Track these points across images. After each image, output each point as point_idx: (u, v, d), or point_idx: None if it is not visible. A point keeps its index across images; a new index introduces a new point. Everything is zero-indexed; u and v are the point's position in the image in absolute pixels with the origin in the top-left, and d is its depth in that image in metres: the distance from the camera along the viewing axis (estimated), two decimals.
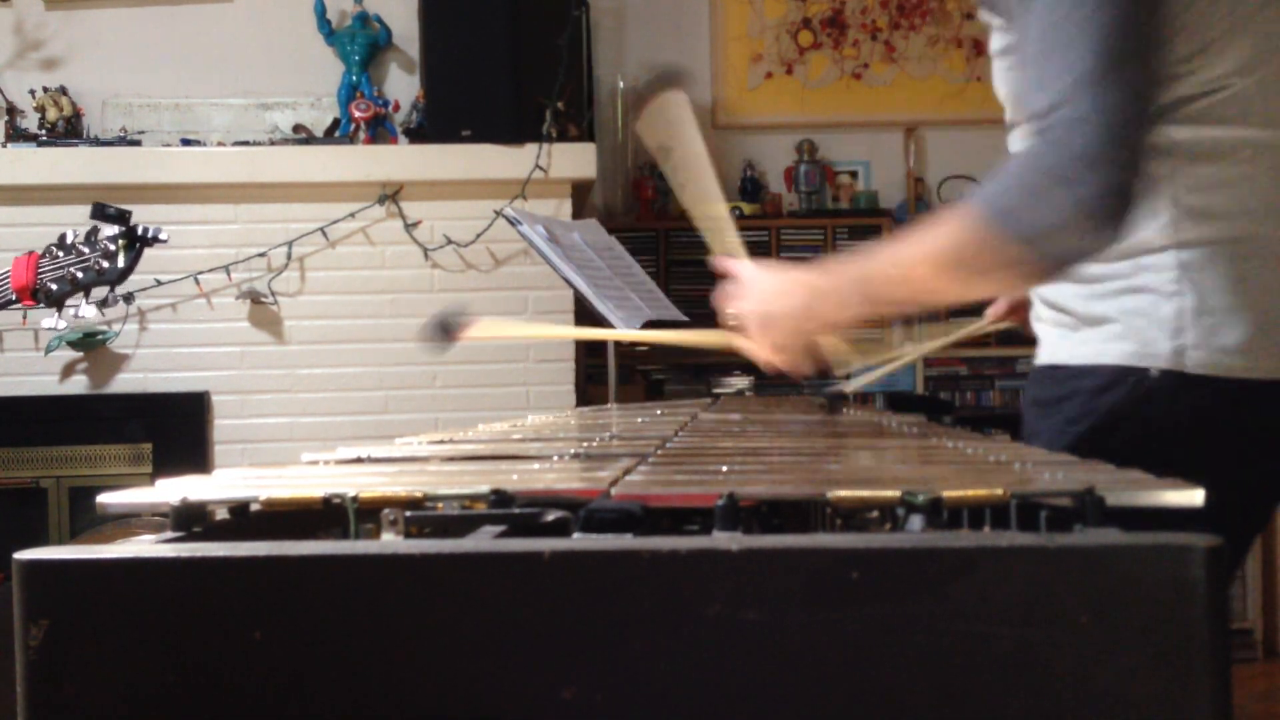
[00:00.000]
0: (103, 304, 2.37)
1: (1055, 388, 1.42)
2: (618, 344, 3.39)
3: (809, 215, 4.75)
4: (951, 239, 1.24)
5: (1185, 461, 1.28)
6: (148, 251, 2.37)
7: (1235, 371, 1.32)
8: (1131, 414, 1.34)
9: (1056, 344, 1.44)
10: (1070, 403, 1.39)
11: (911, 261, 1.27)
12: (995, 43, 1.41)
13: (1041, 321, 1.48)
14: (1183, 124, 1.32)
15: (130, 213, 2.36)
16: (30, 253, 2.34)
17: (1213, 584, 0.67)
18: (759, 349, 1.41)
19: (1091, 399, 1.37)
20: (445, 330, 1.70)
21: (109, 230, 2.33)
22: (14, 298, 2.33)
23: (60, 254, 2.32)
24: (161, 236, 2.36)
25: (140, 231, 2.34)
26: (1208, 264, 1.33)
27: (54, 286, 2.31)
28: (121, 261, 2.33)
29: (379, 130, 4.22)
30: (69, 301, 2.36)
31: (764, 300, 1.39)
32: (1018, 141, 1.42)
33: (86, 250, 2.32)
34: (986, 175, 1.28)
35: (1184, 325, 1.33)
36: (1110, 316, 1.37)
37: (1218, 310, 1.32)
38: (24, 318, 2.43)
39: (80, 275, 2.32)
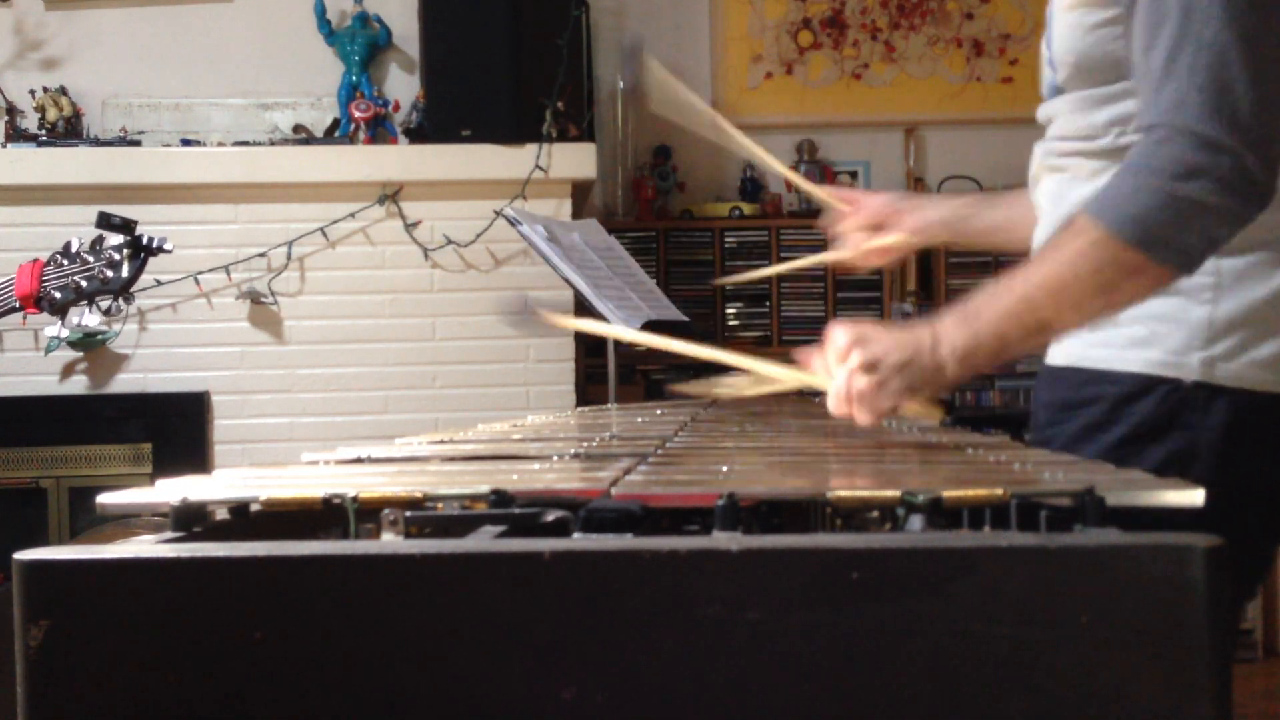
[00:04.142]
0: (106, 313, 2.37)
1: (1072, 390, 1.37)
2: (618, 344, 3.39)
3: (809, 215, 4.74)
4: (1080, 263, 1.19)
5: (1227, 475, 1.27)
6: None
7: (1268, 385, 1.29)
8: (1167, 425, 1.30)
9: (1070, 343, 1.39)
10: (1092, 408, 1.34)
11: (1040, 294, 1.20)
12: None
13: None
14: None
15: (135, 222, 2.36)
16: (35, 260, 2.34)
17: (1213, 584, 0.67)
18: (859, 398, 1.21)
19: (1117, 406, 1.32)
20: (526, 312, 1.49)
21: (114, 239, 2.33)
22: (17, 305, 2.33)
23: (65, 262, 2.32)
24: (166, 246, 2.36)
25: (145, 241, 2.34)
26: (1246, 272, 1.29)
27: (58, 295, 2.31)
28: (126, 271, 2.33)
29: (379, 130, 4.22)
30: (71, 309, 2.36)
31: (888, 351, 1.21)
32: (1066, 109, 1.38)
33: (91, 259, 2.32)
34: (1105, 193, 1.22)
35: (1216, 335, 1.29)
36: (1133, 319, 1.32)
37: (1252, 322, 1.29)
38: (23, 319, 2.43)
39: (84, 284, 2.32)
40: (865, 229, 1.65)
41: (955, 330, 1.22)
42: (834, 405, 1.22)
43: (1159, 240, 1.18)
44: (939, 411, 1.47)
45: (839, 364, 1.22)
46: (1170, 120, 1.19)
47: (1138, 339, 1.32)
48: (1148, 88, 1.22)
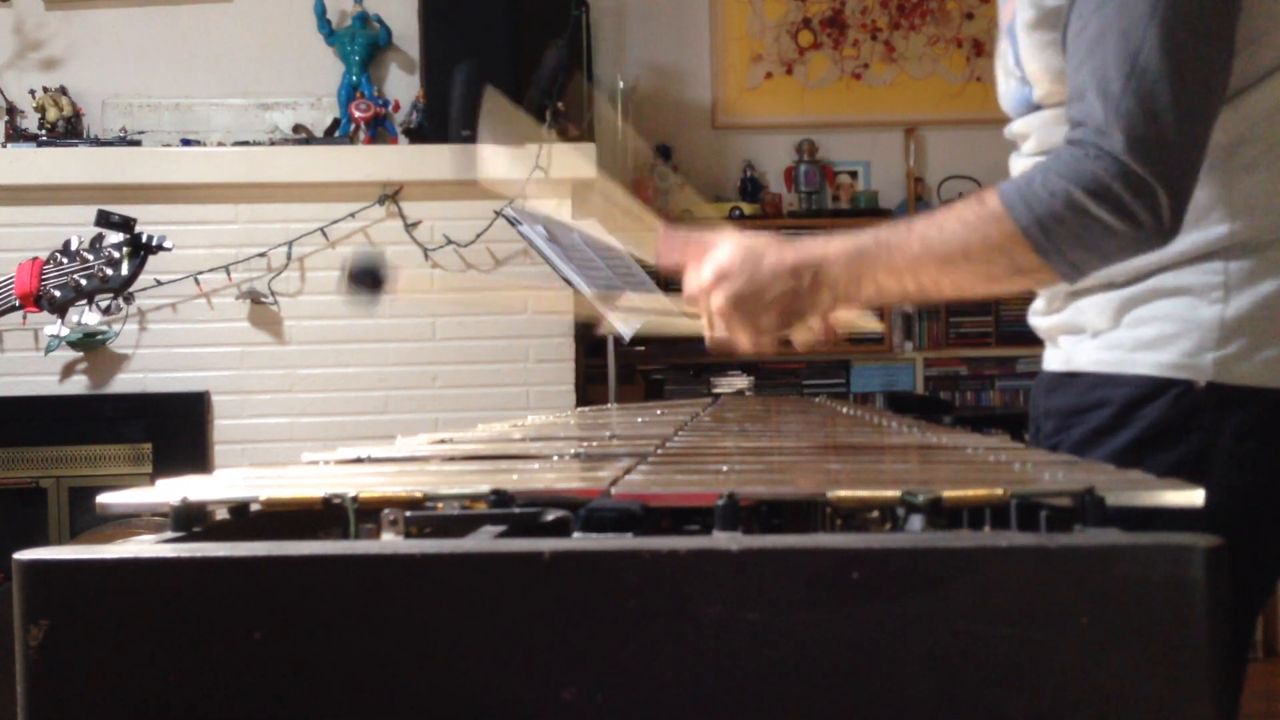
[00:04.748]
0: (106, 311, 2.38)
1: (1078, 396, 1.35)
2: (618, 344, 3.39)
3: (809, 215, 4.75)
4: (976, 248, 1.20)
5: (1243, 477, 1.25)
6: None
7: None
8: (1180, 428, 1.27)
9: (1072, 349, 1.37)
10: (1099, 412, 1.32)
11: (932, 264, 1.22)
12: (1030, 12, 1.31)
13: (1052, 328, 1.41)
14: (1243, 119, 1.26)
15: (134, 220, 2.36)
16: (35, 258, 2.34)
17: (1213, 584, 0.67)
18: (718, 322, 1.27)
19: (1125, 410, 1.30)
20: (374, 278, 1.34)
21: (114, 237, 2.34)
22: (17, 304, 2.33)
23: (65, 260, 2.32)
24: (166, 244, 2.37)
25: (144, 239, 2.34)
26: (1255, 271, 1.27)
27: (57, 293, 2.32)
28: (125, 269, 2.33)
29: (379, 130, 4.22)
30: (71, 308, 2.36)
31: (737, 272, 1.25)
32: (1047, 124, 1.36)
33: (91, 257, 2.32)
34: (1005, 177, 1.23)
35: (1228, 335, 1.27)
36: (1140, 321, 1.30)
37: (1264, 320, 1.27)
38: (24, 319, 2.43)
39: (84, 282, 2.32)
40: None
41: (842, 270, 1.24)
42: (708, 336, 1.26)
43: (1059, 251, 1.18)
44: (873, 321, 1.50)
45: (705, 297, 1.25)
46: (1101, 143, 1.17)
47: (1145, 341, 1.30)
48: (1084, 102, 1.20)
